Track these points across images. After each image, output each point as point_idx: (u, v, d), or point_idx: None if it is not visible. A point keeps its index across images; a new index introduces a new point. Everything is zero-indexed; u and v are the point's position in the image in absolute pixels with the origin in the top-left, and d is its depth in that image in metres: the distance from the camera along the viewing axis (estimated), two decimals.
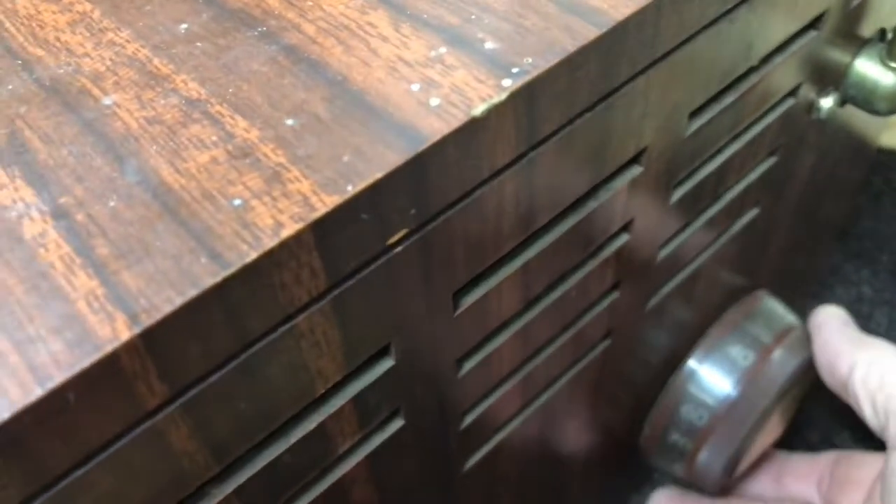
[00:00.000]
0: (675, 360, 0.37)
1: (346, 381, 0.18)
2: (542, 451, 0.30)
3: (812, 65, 0.28)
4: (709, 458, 0.38)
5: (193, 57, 0.18)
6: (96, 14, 0.19)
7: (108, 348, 0.13)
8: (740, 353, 0.37)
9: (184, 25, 0.19)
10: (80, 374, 0.13)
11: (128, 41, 0.19)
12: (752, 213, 0.32)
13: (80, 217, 0.15)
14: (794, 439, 0.47)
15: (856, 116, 0.37)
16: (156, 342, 0.13)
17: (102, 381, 0.13)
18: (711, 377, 0.37)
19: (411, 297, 0.18)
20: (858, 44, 0.31)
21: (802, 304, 0.53)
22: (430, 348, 0.20)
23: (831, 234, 0.46)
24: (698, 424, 0.38)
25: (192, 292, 0.13)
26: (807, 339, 0.38)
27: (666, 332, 0.33)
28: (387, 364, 0.19)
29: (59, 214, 0.15)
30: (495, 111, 0.16)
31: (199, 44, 0.18)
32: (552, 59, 0.17)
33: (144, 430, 0.14)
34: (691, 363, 0.37)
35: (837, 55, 0.30)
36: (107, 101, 0.17)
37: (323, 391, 0.17)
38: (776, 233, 0.37)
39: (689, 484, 0.42)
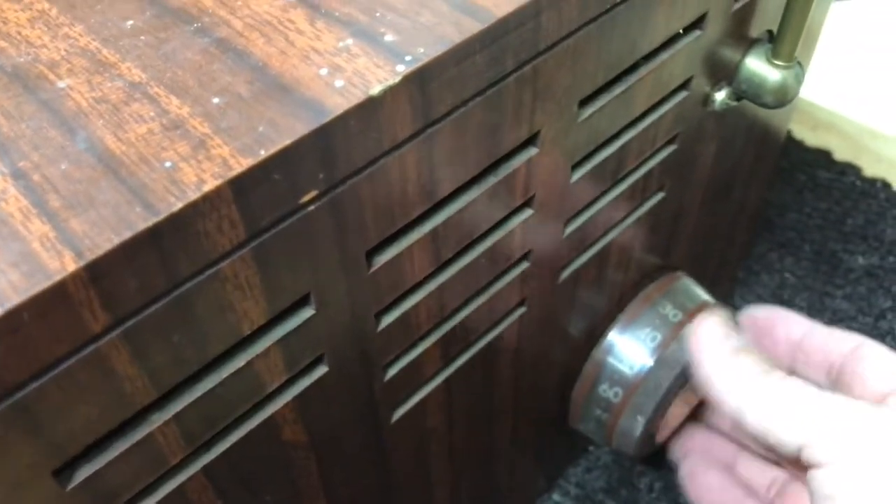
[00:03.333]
0: (595, 335, 0.40)
1: (270, 325, 0.21)
2: (470, 413, 0.33)
3: (702, 61, 0.32)
4: (626, 426, 0.41)
5: (137, 48, 0.21)
6: (53, 12, 0.22)
7: (57, 277, 0.16)
8: (655, 328, 0.40)
9: (130, 22, 0.22)
10: (33, 297, 0.15)
11: (80, 35, 0.21)
12: (658, 197, 0.36)
13: (35, 177, 0.18)
14: None
15: (759, 109, 0.40)
16: (98, 275, 0.16)
17: (52, 305, 0.16)
18: (628, 350, 0.40)
19: (326, 253, 0.21)
20: (747, 43, 0.34)
21: (730, 289, 0.57)
22: (347, 301, 0.23)
23: (748, 221, 0.50)
24: (614, 400, 0.41)
25: (128, 234, 0.16)
26: (720, 311, 0.42)
27: (583, 307, 0.37)
28: (307, 313, 0.22)
29: (18, 175, 0.18)
30: (391, 92, 0.19)
31: (142, 37, 0.21)
32: (441, 49, 0.20)
33: (90, 352, 0.17)
34: (610, 336, 0.40)
35: (728, 53, 0.33)
36: (61, 84, 0.20)
37: (249, 332, 0.20)
38: (686, 217, 0.40)
39: (615, 451, 0.45)
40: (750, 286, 0.58)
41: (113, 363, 0.17)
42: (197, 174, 0.17)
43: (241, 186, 0.18)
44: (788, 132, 0.68)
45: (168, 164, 0.18)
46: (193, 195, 0.17)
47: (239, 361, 0.21)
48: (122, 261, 0.16)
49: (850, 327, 0.55)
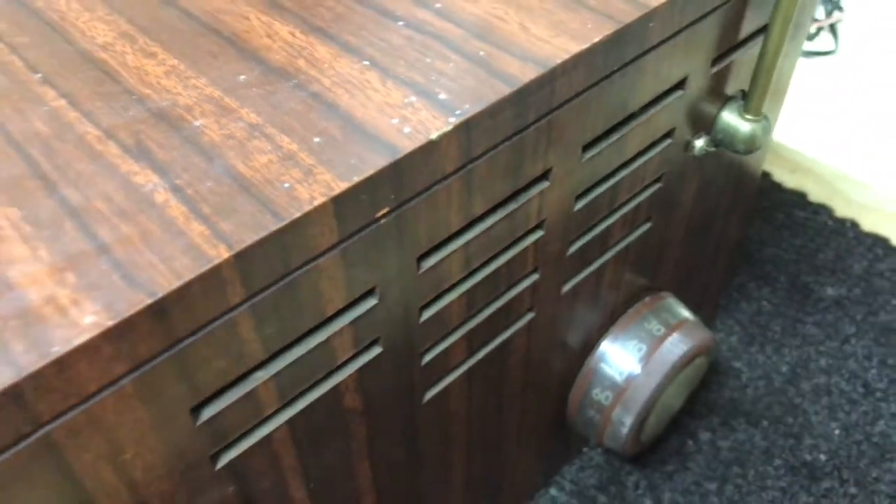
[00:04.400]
0: (590, 345, 0.46)
1: (345, 310, 0.28)
2: (484, 404, 0.40)
3: (683, 114, 0.39)
4: (616, 426, 0.47)
5: (251, 97, 0.28)
6: (182, 67, 0.29)
7: (216, 262, 0.22)
8: (641, 340, 0.47)
9: (242, 76, 0.29)
10: (199, 276, 0.22)
11: (205, 86, 0.28)
12: (646, 227, 0.43)
13: (189, 191, 0.24)
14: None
15: (733, 155, 0.47)
16: (241, 262, 0.23)
17: (211, 282, 0.22)
18: (617, 359, 0.47)
19: (390, 256, 0.28)
20: (724, 99, 0.41)
21: (713, 313, 0.64)
22: (400, 296, 0.29)
23: (729, 253, 0.57)
24: (605, 402, 0.48)
25: (263, 233, 0.23)
26: (697, 329, 0.48)
27: (581, 318, 0.43)
28: (372, 302, 0.28)
29: (177, 189, 0.24)
30: (445, 137, 0.26)
31: (254, 89, 0.28)
32: (481, 106, 0.27)
33: (228, 318, 0.23)
34: (602, 346, 0.47)
35: (706, 108, 0.40)
36: (196, 123, 0.27)
37: (331, 314, 0.27)
38: (671, 246, 0.47)
39: (607, 450, 0.51)
40: (730, 312, 0.65)
41: (241, 329, 0.24)
42: (309, 193, 0.24)
43: (339, 203, 0.24)
44: (769, 175, 0.75)
45: (286, 185, 0.24)
46: (307, 208, 0.23)
47: (322, 336, 0.27)
48: (257, 252, 0.23)
49: (818, 350, 0.62)
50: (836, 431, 0.57)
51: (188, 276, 0.22)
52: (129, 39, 0.30)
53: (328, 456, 0.32)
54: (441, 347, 0.34)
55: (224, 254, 0.22)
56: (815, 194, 0.73)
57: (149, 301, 0.21)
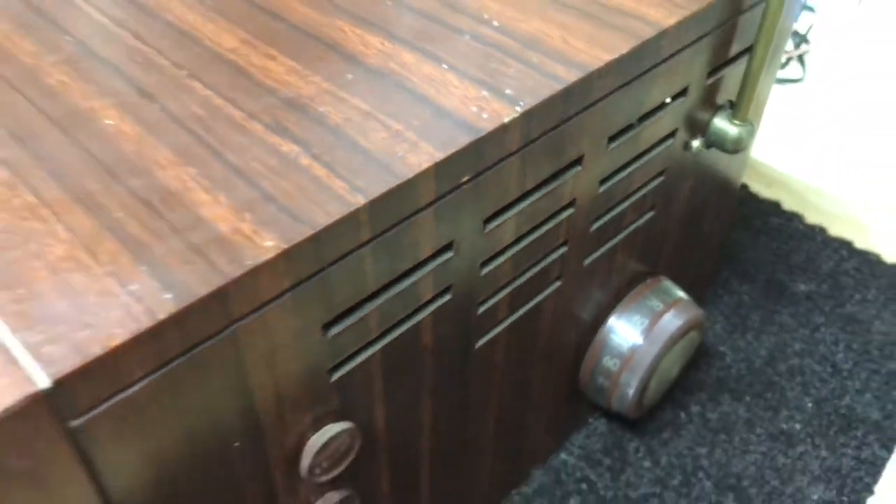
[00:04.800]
0: (601, 319, 0.54)
1: (431, 258, 0.35)
2: (518, 359, 0.47)
3: (684, 118, 0.47)
4: (623, 390, 0.55)
5: (360, 91, 0.35)
6: (298, 67, 0.37)
7: (353, 209, 0.29)
8: (643, 315, 0.55)
9: (349, 75, 0.36)
10: (344, 216, 0.29)
11: (321, 82, 0.36)
12: (650, 214, 0.50)
13: (327, 158, 0.32)
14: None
15: (721, 159, 0.56)
16: (373, 209, 0.30)
17: (350, 225, 0.29)
18: (623, 329, 0.54)
19: (465, 216, 0.35)
20: (715, 107, 0.50)
21: (703, 298, 0.72)
22: (469, 251, 0.37)
23: (715, 247, 0.65)
24: (613, 369, 0.55)
25: (385, 188, 0.30)
26: (691, 307, 0.56)
27: (596, 292, 0.51)
28: (449, 255, 0.36)
29: (315, 157, 0.32)
30: (513, 122, 0.34)
31: (360, 84, 0.36)
32: (538, 100, 0.35)
33: (357, 253, 0.31)
34: (611, 320, 0.54)
35: (702, 114, 0.49)
36: (320, 109, 0.34)
37: (422, 259, 0.34)
38: (669, 235, 0.55)
39: (615, 414, 0.58)
40: (716, 304, 0.73)
41: (364, 263, 0.31)
42: (417, 160, 0.31)
43: (438, 169, 0.32)
44: (747, 187, 0.84)
45: (399, 154, 0.32)
46: (417, 171, 0.31)
47: (413, 278, 0.34)
48: (382, 202, 0.30)
49: (793, 337, 0.70)
50: (809, 405, 0.65)
51: (337, 216, 0.29)
52: (250, 45, 0.38)
53: (404, 388, 0.39)
54: (492, 302, 0.41)
55: (361, 201, 0.30)
56: (788, 204, 0.82)
57: (311, 232, 0.28)
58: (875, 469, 0.61)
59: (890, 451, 0.62)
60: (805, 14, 1.04)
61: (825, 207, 0.82)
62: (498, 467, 0.53)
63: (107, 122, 0.33)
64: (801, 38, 1.02)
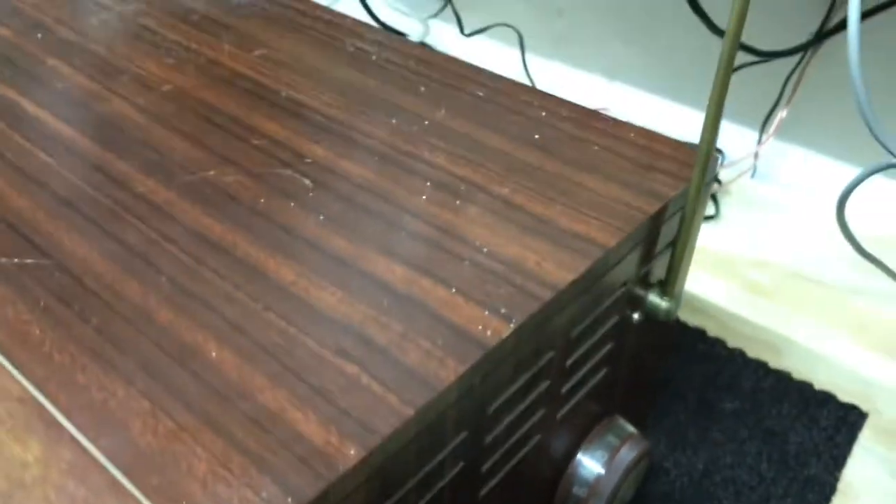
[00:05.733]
0: (571, 454, 0.66)
1: (451, 440, 0.47)
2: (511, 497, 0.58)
3: (626, 300, 0.60)
4: None
5: (394, 314, 0.47)
6: (346, 296, 0.49)
7: (406, 419, 0.41)
8: (604, 449, 0.67)
9: (385, 301, 0.48)
10: (415, 413, 0.41)
11: (366, 308, 0.48)
12: (604, 372, 0.63)
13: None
14: None
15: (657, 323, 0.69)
16: (418, 414, 0.42)
17: (403, 429, 0.41)
18: (588, 463, 0.66)
19: (477, 406, 0.47)
20: (649, 286, 0.64)
21: (644, 428, 0.84)
22: (478, 431, 0.48)
23: (655, 383, 0.78)
24: (582, 496, 0.67)
25: (432, 394, 0.42)
26: (641, 440, 0.69)
27: (566, 437, 0.63)
28: (464, 434, 0.47)
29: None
30: (508, 337, 0.46)
31: (394, 310, 0.48)
32: (524, 317, 0.47)
33: (407, 448, 0.42)
34: (579, 455, 0.67)
35: (639, 294, 0.62)
36: (368, 332, 0.46)
37: (447, 444, 0.46)
38: (619, 381, 0.68)
39: None
40: (657, 424, 0.86)
41: (410, 453, 0.43)
42: (445, 374, 0.43)
43: (460, 380, 0.44)
44: (677, 317, 0.99)
45: (432, 369, 0.44)
46: (447, 383, 0.43)
47: (441, 456, 0.46)
48: (425, 407, 0.42)
49: (723, 451, 0.83)
50: None
51: (396, 425, 0.41)
52: (306, 278, 0.50)
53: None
54: (489, 464, 0.53)
55: (410, 413, 0.41)
56: (712, 330, 0.97)
57: (379, 441, 0.40)
58: None
59: None
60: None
61: (742, 332, 0.97)
62: None
63: (212, 353, 0.44)
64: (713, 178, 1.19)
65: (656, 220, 0.58)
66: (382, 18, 1.45)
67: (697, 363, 0.93)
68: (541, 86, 1.34)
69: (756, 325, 0.98)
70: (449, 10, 1.35)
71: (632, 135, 0.65)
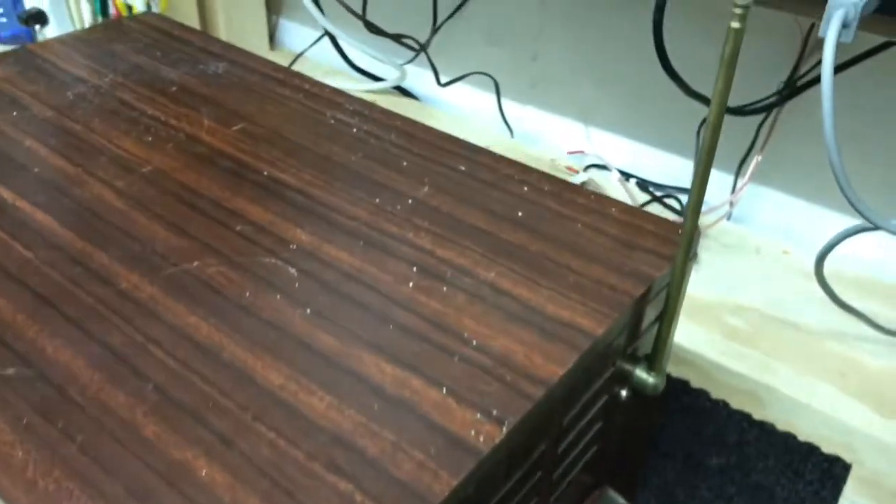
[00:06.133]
0: None
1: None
2: None
3: (614, 377, 0.60)
4: None
5: (386, 420, 0.47)
6: (336, 402, 0.48)
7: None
8: None
9: (375, 406, 0.48)
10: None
11: (355, 415, 0.47)
12: (594, 449, 0.63)
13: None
14: None
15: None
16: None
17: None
18: None
19: None
20: (636, 362, 0.64)
21: (634, 491, 0.85)
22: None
23: (642, 449, 0.78)
24: None
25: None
26: None
27: None
28: None
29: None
30: (501, 441, 0.46)
31: (385, 415, 0.47)
32: (517, 419, 0.47)
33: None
34: None
35: (627, 368, 0.63)
36: (360, 443, 0.46)
37: None
38: (609, 453, 0.68)
39: None
40: (647, 484, 0.86)
41: None
42: (440, 488, 0.43)
43: (454, 491, 0.43)
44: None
45: (426, 482, 0.43)
46: (441, 497, 0.43)
47: None
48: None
49: None
50: None
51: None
52: (295, 381, 0.49)
53: None
54: None
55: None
56: (696, 381, 0.97)
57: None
58: None
59: None
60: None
61: (726, 383, 0.98)
62: None
63: (202, 472, 0.44)
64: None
65: (642, 303, 0.58)
66: (358, 63, 1.46)
67: (683, 417, 0.93)
68: (517, 131, 1.35)
69: (738, 375, 0.99)
70: (424, 55, 1.36)
71: (613, 210, 0.66)
